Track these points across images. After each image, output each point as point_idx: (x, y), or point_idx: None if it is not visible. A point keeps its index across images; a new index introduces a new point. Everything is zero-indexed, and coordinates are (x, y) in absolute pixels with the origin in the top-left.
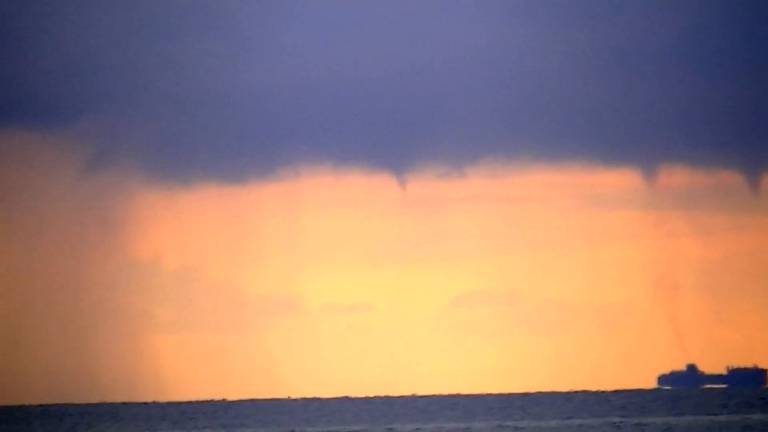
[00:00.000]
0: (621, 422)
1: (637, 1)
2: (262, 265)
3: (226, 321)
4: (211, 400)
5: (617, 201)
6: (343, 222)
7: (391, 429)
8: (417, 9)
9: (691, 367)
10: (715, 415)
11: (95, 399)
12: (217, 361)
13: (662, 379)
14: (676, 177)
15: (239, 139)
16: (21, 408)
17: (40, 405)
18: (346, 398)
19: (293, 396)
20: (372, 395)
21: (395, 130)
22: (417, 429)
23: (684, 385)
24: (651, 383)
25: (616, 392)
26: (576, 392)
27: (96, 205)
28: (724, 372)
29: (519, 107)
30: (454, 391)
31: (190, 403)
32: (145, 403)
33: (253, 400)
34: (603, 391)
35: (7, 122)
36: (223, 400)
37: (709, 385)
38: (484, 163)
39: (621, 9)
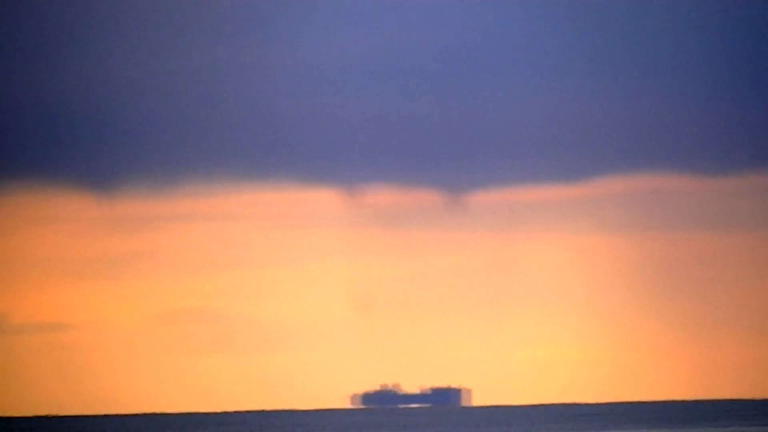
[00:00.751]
0: None
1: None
2: None
3: None
4: None
5: (317, 219)
6: (47, 239)
7: None
8: (124, 27)
9: (389, 387)
10: None
11: None
12: None
13: (360, 398)
14: (376, 195)
15: None
16: None
17: None
18: (49, 417)
19: None
20: (73, 414)
21: (102, 147)
22: None
23: (382, 404)
24: (349, 402)
25: (315, 411)
26: (271, 411)
27: None
28: (421, 391)
29: (222, 127)
30: (154, 410)
31: None
32: None
33: None
34: (301, 411)
35: None
36: None
37: (406, 404)
38: (188, 181)
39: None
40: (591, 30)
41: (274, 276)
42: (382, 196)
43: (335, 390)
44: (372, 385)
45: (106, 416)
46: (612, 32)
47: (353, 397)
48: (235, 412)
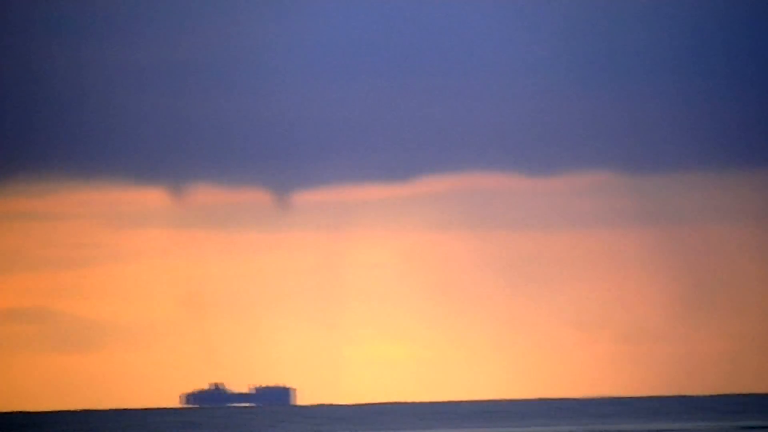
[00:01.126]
0: None
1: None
2: None
3: None
4: None
5: (145, 219)
6: None
7: None
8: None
9: (217, 386)
10: None
11: None
12: None
13: (189, 397)
14: (204, 195)
15: None
16: None
17: None
18: None
19: None
20: None
21: None
22: None
23: (211, 404)
24: (178, 401)
25: (144, 410)
26: (100, 411)
27: None
28: (250, 390)
29: (51, 126)
30: None
31: None
32: None
33: None
34: (130, 409)
35: None
36: None
37: (235, 404)
38: (17, 180)
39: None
40: (409, 31)
41: (102, 275)
42: (208, 196)
43: (164, 389)
44: (201, 384)
45: None
46: (427, 33)
47: (182, 397)
48: (62, 411)
